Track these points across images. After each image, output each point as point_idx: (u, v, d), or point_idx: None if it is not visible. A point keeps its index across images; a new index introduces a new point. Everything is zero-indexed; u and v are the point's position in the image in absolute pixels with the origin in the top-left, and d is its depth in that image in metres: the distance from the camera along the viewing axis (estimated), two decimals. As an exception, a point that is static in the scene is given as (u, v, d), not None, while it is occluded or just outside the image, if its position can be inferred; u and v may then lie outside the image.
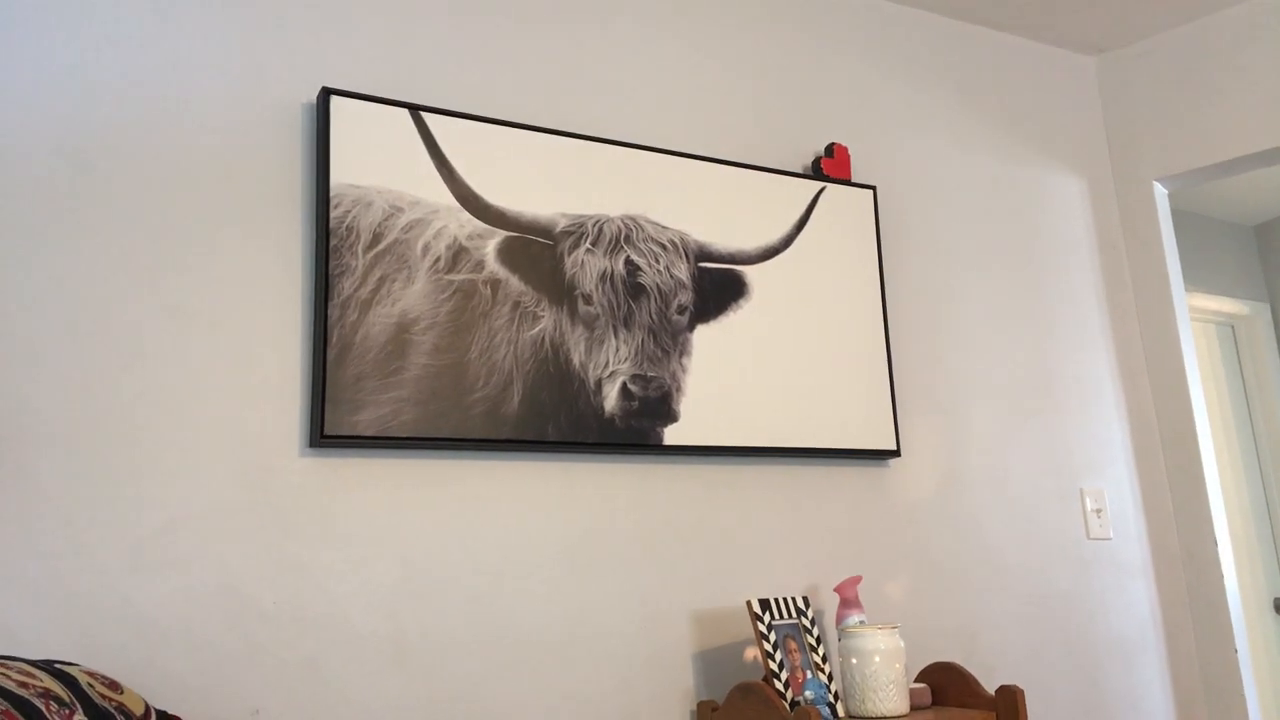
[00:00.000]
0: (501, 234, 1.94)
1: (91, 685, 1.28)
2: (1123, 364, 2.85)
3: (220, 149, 1.78)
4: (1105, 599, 2.62)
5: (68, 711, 1.17)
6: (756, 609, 1.91)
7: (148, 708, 1.36)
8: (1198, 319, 4.02)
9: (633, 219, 2.09)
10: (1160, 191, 2.94)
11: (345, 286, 1.78)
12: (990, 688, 2.36)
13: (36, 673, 1.21)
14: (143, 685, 1.55)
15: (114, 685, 1.33)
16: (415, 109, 1.91)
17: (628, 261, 2.06)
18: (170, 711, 1.52)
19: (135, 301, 1.66)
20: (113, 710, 1.27)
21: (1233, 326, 4.16)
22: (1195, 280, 3.96)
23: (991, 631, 2.41)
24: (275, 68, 1.86)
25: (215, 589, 1.63)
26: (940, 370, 2.52)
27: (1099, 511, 2.68)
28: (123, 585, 1.56)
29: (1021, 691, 1.89)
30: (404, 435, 1.77)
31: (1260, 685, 3.71)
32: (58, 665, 1.28)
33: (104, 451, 1.59)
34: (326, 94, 1.83)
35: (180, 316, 1.69)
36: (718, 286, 2.16)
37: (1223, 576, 2.68)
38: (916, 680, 2.07)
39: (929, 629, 2.33)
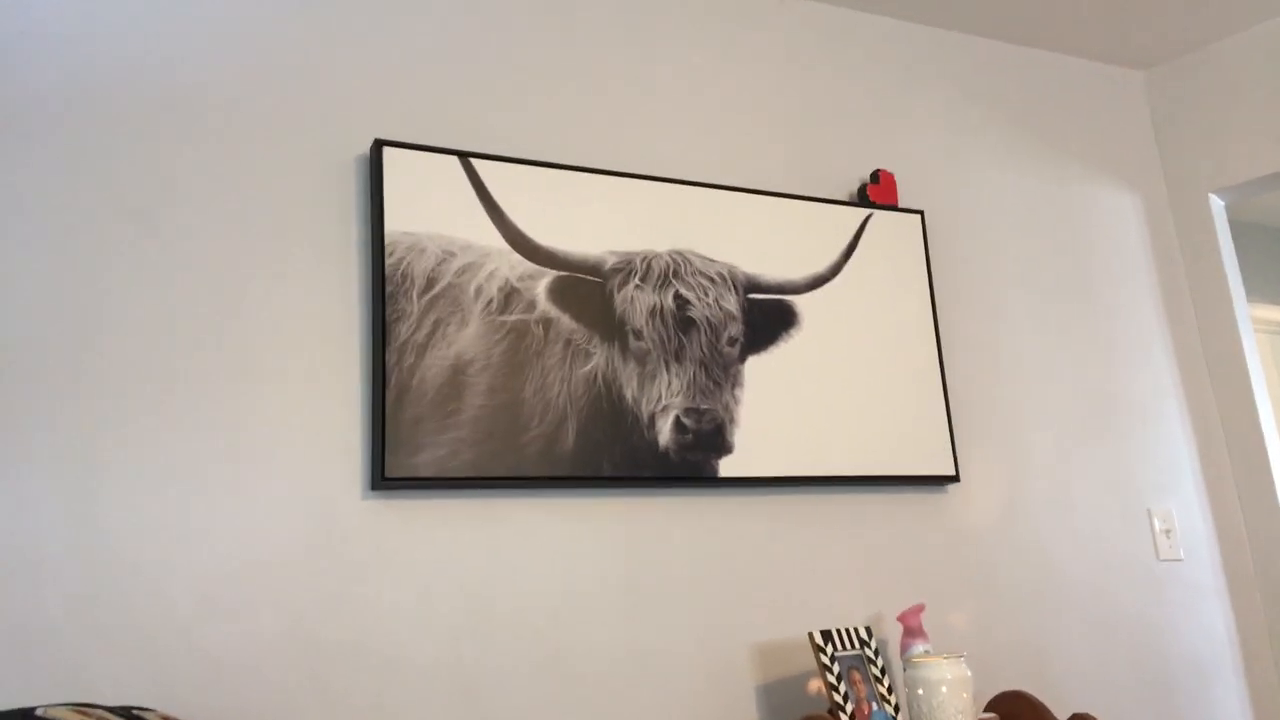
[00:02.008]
0: (551, 274, 1.97)
1: (167, 730, 1.31)
2: (1186, 379, 2.79)
3: (278, 202, 1.83)
4: (1178, 622, 2.56)
5: (146, 757, 1.20)
6: (819, 640, 1.90)
7: (221, 751, 1.38)
8: (1261, 330, 3.93)
9: (680, 253, 2.11)
10: (1217, 204, 2.89)
11: (401, 331, 1.82)
12: (1061, 715, 2.31)
13: (114, 719, 1.24)
14: (216, 729, 1.58)
15: (189, 730, 1.36)
16: (464, 155, 1.95)
17: (677, 296, 2.07)
18: (243, 754, 1.55)
19: (199, 352, 1.71)
20: (188, 754, 1.29)
21: (1300, 337, 4.06)
22: (1257, 291, 3.87)
23: (1061, 658, 2.36)
24: (329, 121, 1.91)
25: (283, 631, 1.66)
26: (997, 393, 2.49)
27: (1168, 532, 2.62)
28: (194, 630, 1.60)
29: (1095, 719, 1.85)
30: (462, 475, 1.80)
31: (1348, 707, 3.57)
32: (135, 711, 1.32)
33: (173, 499, 1.64)
34: (379, 145, 1.88)
35: (243, 365, 1.73)
36: (767, 317, 2.17)
37: (1301, 596, 2.60)
38: (985, 710, 2.03)
39: (996, 657, 2.29)
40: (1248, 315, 2.85)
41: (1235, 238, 3.89)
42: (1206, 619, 2.61)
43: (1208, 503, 2.72)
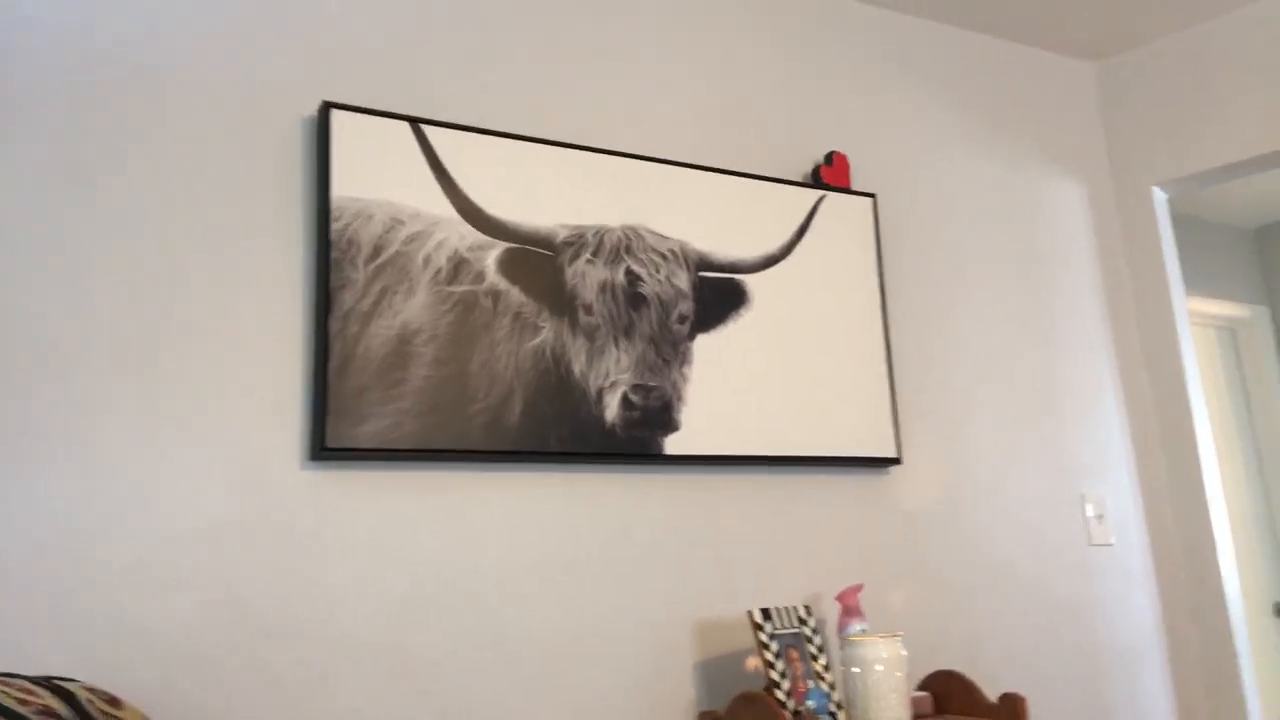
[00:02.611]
0: (502, 245, 1.95)
1: (91, 701, 1.28)
2: (1123, 369, 2.85)
3: (221, 163, 1.78)
4: (1107, 605, 2.62)
5: (70, 729, 1.17)
6: (758, 618, 1.91)
7: (150, 723, 1.35)
8: (1198, 323, 4.02)
9: (633, 229, 2.09)
10: (1160, 196, 2.94)
11: (346, 299, 1.78)
12: (993, 695, 2.36)
13: (37, 689, 1.21)
14: (143, 701, 1.55)
15: (114, 701, 1.33)
16: (415, 121, 1.91)
17: (628, 271, 2.06)
18: (172, 726, 1.52)
19: (135, 316, 1.66)
20: (115, 727, 1.26)
21: (1233, 330, 4.16)
22: (1195, 284, 3.96)
23: (994, 639, 2.41)
24: (275, 81, 1.86)
25: (217, 603, 1.63)
26: (940, 377, 2.52)
27: (1100, 517, 2.68)
28: (124, 601, 1.56)
29: (1024, 699, 1.89)
30: (405, 447, 1.77)
31: (1262, 689, 3.70)
32: (57, 682, 1.28)
33: (105, 466, 1.59)
34: (327, 107, 1.83)
35: (181, 330, 1.69)
36: (718, 295, 2.16)
37: (1223, 581, 2.67)
38: (919, 689, 2.07)
39: (931, 637, 2.32)
40: (1185, 308, 2.91)
41: (1177, 231, 3.97)
42: (1135, 603, 2.68)
43: (1139, 490, 2.78)
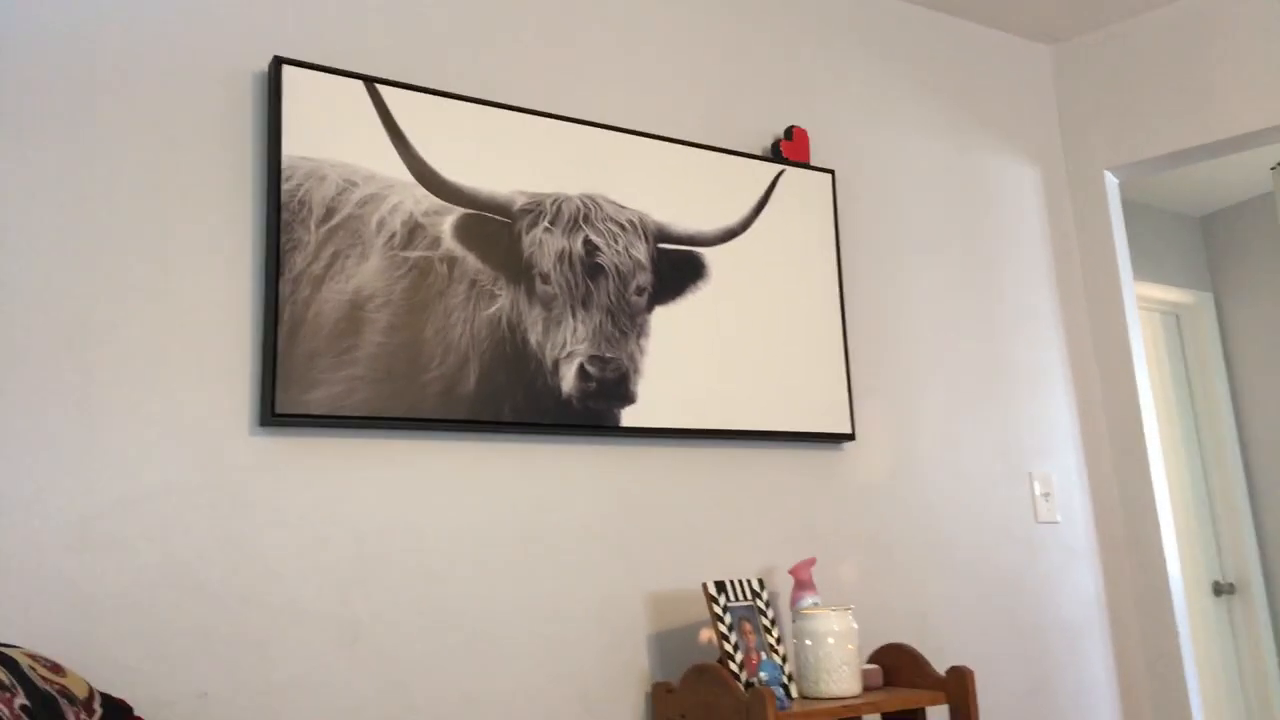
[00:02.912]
0: (458, 211, 1.91)
1: (33, 668, 1.24)
2: (1072, 350, 2.89)
3: (167, 117, 1.72)
4: (1052, 581, 2.67)
5: (8, 695, 1.13)
6: (712, 591, 1.91)
7: (91, 690, 1.32)
8: (1143, 308, 4.10)
9: (592, 198, 2.07)
10: (1111, 181, 2.98)
11: (297, 262, 1.74)
12: (941, 668, 2.39)
13: (-27, 655, 1.17)
14: (86, 667, 1.51)
15: (56, 668, 1.29)
16: (370, 81, 1.87)
17: (586, 241, 2.04)
18: (115, 694, 1.48)
19: (78, 277, 1.60)
20: (55, 693, 1.23)
21: (1177, 315, 4.24)
22: (1142, 269, 4.03)
23: (942, 613, 2.44)
24: (225, 34, 1.80)
25: (162, 569, 1.59)
26: (894, 355, 2.53)
27: (1047, 495, 2.72)
28: (67, 565, 1.52)
29: (971, 672, 1.91)
30: (357, 414, 1.74)
31: (1200, 666, 3.80)
32: (-4, 647, 1.24)
33: (48, 429, 1.54)
34: (278, 63, 1.78)
35: (126, 292, 1.64)
36: (676, 268, 2.15)
37: (1165, 560, 2.73)
38: (869, 661, 2.09)
39: (882, 611, 2.34)
40: (1133, 292, 2.95)
41: (1127, 217, 4.03)
42: (1079, 580, 2.72)
43: (1085, 469, 2.83)
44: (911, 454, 2.50)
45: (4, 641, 1.46)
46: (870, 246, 2.56)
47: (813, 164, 2.49)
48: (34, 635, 1.48)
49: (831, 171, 2.44)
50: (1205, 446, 4.12)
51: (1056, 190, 2.99)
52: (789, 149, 2.40)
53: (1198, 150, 2.84)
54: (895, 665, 2.04)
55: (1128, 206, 4.08)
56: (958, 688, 1.91)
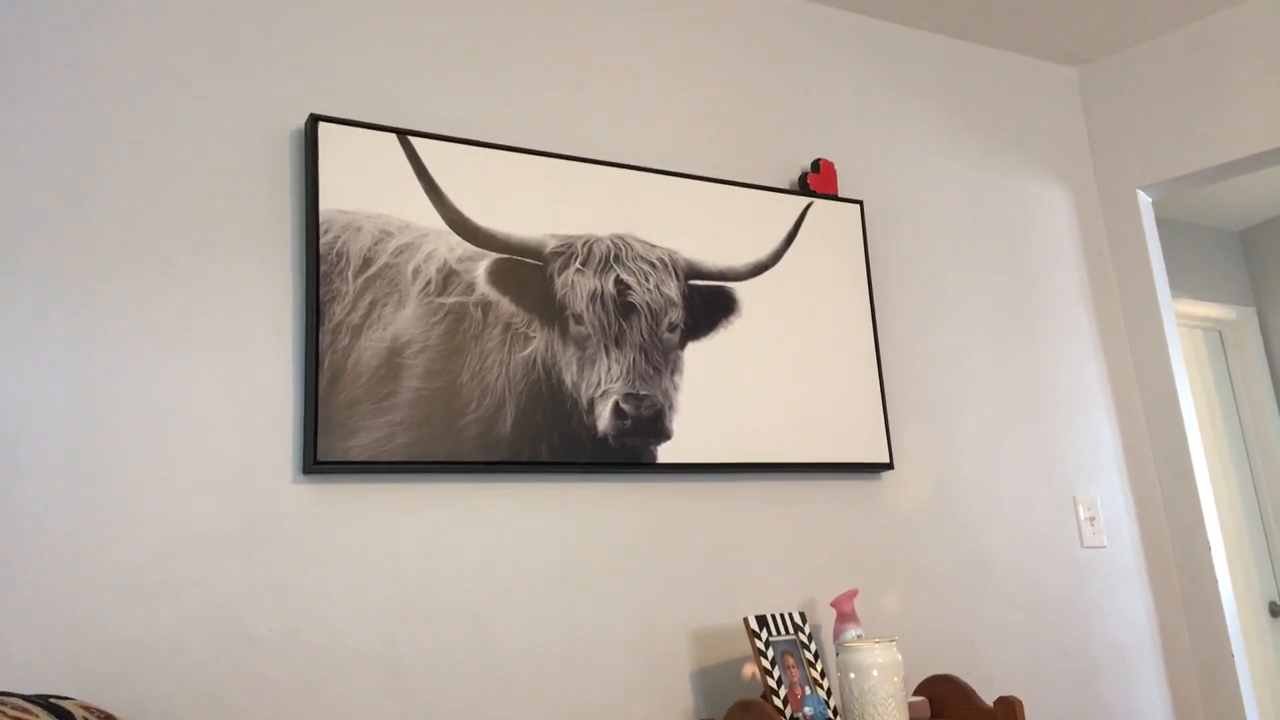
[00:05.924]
0: (491, 256, 1.95)
1: (87, 719, 1.27)
2: (1112, 371, 2.86)
3: (210, 176, 1.78)
4: (1101, 606, 2.63)
5: (64, 746, 1.16)
6: (754, 626, 1.91)
7: (144, 740, 1.35)
8: (1185, 325, 4.04)
9: (621, 238, 2.10)
10: (1144, 200, 2.96)
11: (336, 312, 1.78)
12: (988, 699, 2.36)
13: (32, 708, 1.20)
14: (138, 716, 1.54)
15: (109, 718, 1.32)
16: (403, 133, 1.92)
17: (618, 281, 2.06)
18: (167, 743, 1.51)
19: (127, 329, 1.66)
20: (109, 744, 1.26)
21: (1220, 332, 4.18)
22: (1182, 287, 3.98)
23: (988, 642, 2.41)
24: (263, 94, 1.86)
25: (210, 616, 1.62)
26: (931, 382, 2.53)
27: (1092, 519, 2.69)
28: (116, 613, 1.56)
29: (1020, 702, 1.89)
30: (397, 459, 1.77)
31: (1257, 689, 3.71)
32: (53, 700, 1.27)
33: (96, 479, 1.58)
34: (314, 120, 1.84)
35: (172, 344, 1.68)
36: (708, 303, 2.17)
37: (1217, 581, 2.68)
38: (915, 693, 2.07)
39: (926, 641, 2.33)
40: (1172, 310, 2.93)
41: (1163, 234, 3.99)
42: (1127, 604, 2.68)
43: (1130, 491, 2.79)
44: (952, 481, 2.48)
45: (58, 694, 1.50)
46: (901, 275, 2.56)
47: (841, 195, 2.50)
48: (86, 685, 1.52)
49: (860, 202, 2.45)
50: (1254, 462, 4.04)
51: (1089, 211, 2.98)
52: (816, 181, 2.41)
53: (1232, 165, 2.82)
54: (942, 696, 2.02)
55: (1165, 224, 4.05)
56: (1007, 718, 1.89)
